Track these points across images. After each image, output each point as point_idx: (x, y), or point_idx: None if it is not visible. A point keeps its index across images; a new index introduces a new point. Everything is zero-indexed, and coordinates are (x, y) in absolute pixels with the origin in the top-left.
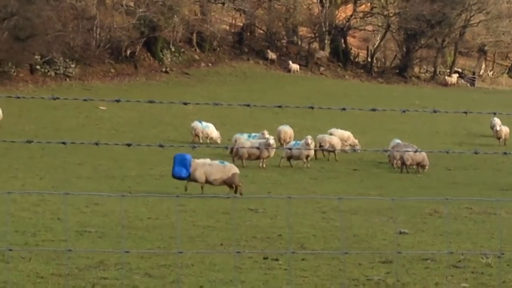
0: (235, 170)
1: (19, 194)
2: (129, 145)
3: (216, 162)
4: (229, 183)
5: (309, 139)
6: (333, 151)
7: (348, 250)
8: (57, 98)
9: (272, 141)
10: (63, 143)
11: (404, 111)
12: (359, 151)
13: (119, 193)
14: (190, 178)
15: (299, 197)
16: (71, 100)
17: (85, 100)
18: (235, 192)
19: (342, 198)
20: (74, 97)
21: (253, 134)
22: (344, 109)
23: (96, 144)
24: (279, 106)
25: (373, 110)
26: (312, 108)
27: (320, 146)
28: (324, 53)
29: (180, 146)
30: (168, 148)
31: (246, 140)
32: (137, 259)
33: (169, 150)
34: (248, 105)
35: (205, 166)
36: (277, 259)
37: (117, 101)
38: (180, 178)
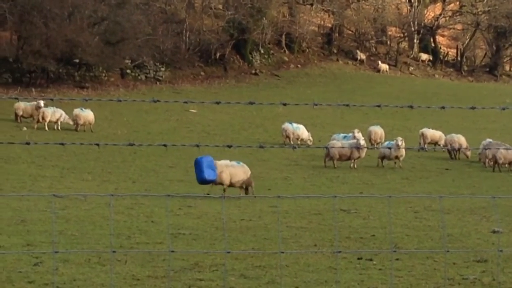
0: (249, 171)
1: (113, 197)
2: (229, 146)
3: (234, 163)
4: (247, 184)
5: (399, 141)
6: (459, 150)
7: (447, 249)
8: (157, 100)
9: (362, 142)
10: (164, 145)
11: (503, 109)
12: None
13: (214, 195)
14: (216, 181)
15: (399, 196)
16: (161, 103)
17: (184, 102)
18: (246, 193)
19: (443, 197)
20: (165, 100)
21: (349, 135)
22: (443, 107)
23: (197, 146)
24: (378, 106)
25: (472, 108)
26: (412, 107)
27: (451, 146)
28: (428, 56)
29: (280, 147)
30: (268, 149)
31: (337, 141)
32: (232, 260)
33: (262, 153)
34: (347, 105)
35: (229, 168)
36: (371, 259)
37: (217, 103)
38: (210, 182)
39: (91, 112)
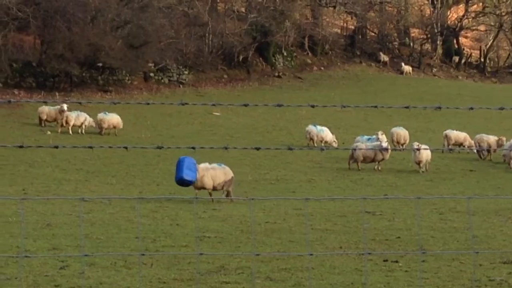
0: (232, 173)
1: (137, 201)
2: (258, 148)
3: (215, 165)
4: (228, 186)
5: (415, 145)
6: (489, 151)
7: (473, 250)
8: (186, 103)
9: (385, 144)
10: (193, 148)
11: None
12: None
13: (245, 197)
14: (197, 184)
15: (428, 197)
16: (185, 107)
17: (212, 105)
18: (227, 196)
19: (472, 197)
20: (193, 103)
21: (373, 137)
22: (471, 108)
23: (226, 148)
24: (407, 107)
25: (501, 109)
26: (440, 108)
27: (479, 146)
28: (457, 57)
29: (309, 149)
30: (293, 151)
31: (361, 143)
32: (258, 263)
33: (286, 155)
34: (375, 106)
35: (209, 171)
36: (397, 261)
37: (245, 105)
38: (187, 183)
39: (116, 115)
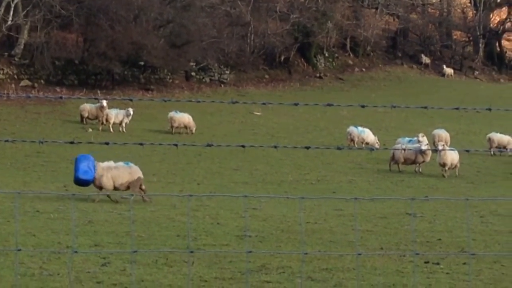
0: (140, 173)
1: (178, 199)
2: (308, 147)
3: (121, 163)
4: (133, 186)
5: (440, 146)
6: None
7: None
8: (236, 102)
9: (424, 147)
10: (242, 146)
11: None
12: None
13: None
14: (96, 184)
15: (476, 199)
16: (226, 106)
17: (262, 103)
18: (142, 196)
19: None
20: (243, 101)
21: (414, 139)
22: None
23: (275, 147)
24: (457, 108)
25: None
26: (490, 110)
27: None
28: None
29: (359, 149)
30: (333, 152)
31: (401, 145)
32: (299, 262)
33: (326, 155)
34: (425, 107)
35: (111, 170)
36: (438, 263)
37: (295, 104)
38: (85, 182)
39: (187, 115)
